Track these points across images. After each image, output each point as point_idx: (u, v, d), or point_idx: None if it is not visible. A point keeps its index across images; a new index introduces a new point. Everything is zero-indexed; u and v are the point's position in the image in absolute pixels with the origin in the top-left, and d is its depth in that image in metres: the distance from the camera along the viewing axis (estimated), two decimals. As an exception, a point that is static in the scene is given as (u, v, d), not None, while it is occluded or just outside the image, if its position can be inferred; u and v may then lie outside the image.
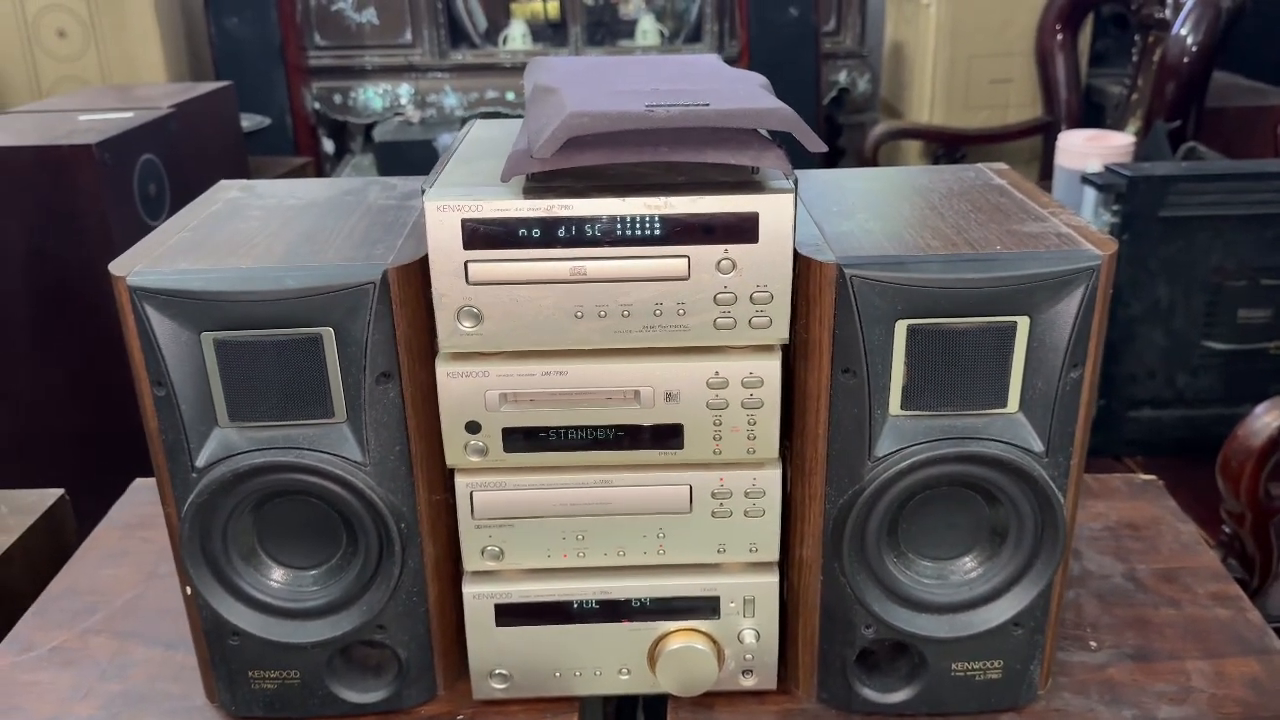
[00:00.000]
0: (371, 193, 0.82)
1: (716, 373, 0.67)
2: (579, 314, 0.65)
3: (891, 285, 0.64)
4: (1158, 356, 1.70)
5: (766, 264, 0.64)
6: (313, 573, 0.73)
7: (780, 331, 0.66)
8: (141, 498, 1.07)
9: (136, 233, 1.76)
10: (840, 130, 3.78)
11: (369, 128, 3.21)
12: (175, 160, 1.89)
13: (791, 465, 0.72)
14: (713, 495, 0.70)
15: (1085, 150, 2.13)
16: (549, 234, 0.63)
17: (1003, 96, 3.09)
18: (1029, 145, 3.03)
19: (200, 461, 0.68)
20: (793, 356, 0.69)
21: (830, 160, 3.71)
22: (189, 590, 0.72)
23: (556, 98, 0.62)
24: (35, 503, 1.10)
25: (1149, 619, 0.85)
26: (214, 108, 2.15)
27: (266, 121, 2.59)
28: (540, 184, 0.64)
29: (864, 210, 0.75)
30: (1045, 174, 2.77)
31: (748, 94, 0.62)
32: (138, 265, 0.67)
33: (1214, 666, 0.80)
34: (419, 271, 0.66)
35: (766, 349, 0.67)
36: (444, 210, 0.62)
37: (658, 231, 0.63)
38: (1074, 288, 0.65)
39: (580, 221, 0.63)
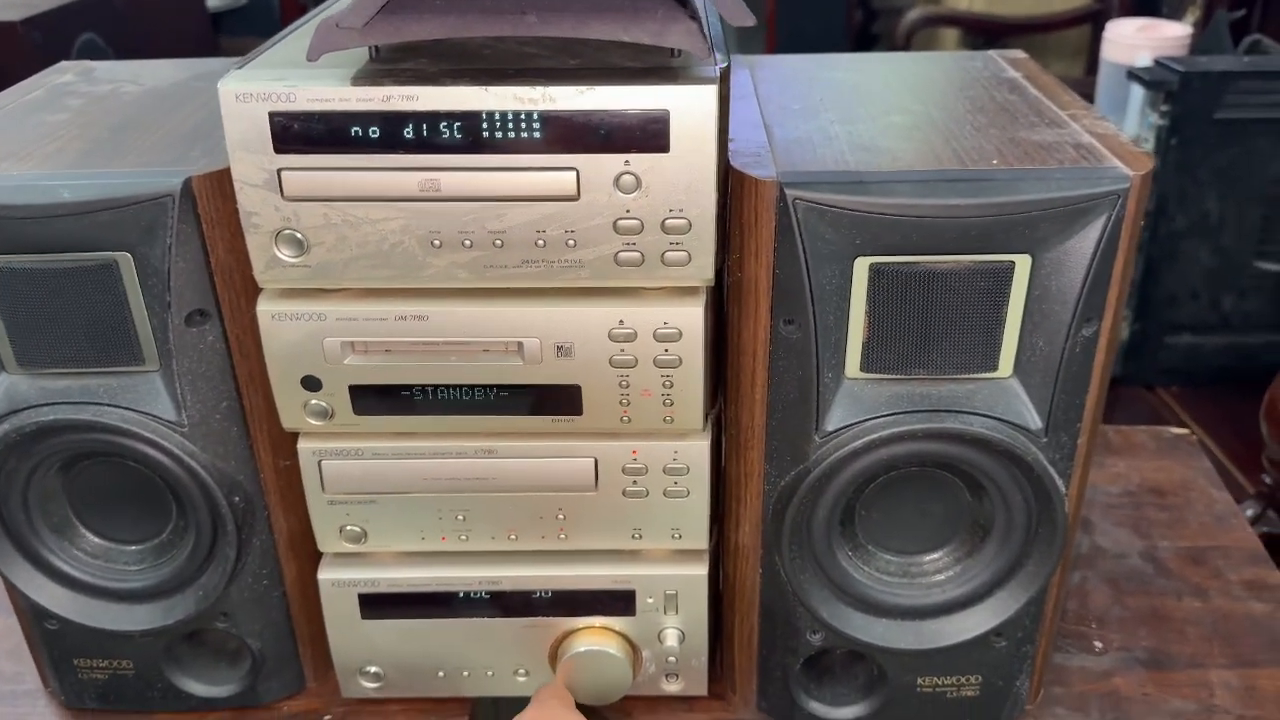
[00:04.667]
0: (229, 78, 0.66)
1: (621, 321, 0.51)
2: (436, 242, 0.50)
3: (848, 212, 0.48)
4: (1202, 276, 1.52)
5: (682, 181, 0.48)
6: (134, 548, 0.60)
7: (702, 270, 0.50)
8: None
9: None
10: (875, 15, 3.51)
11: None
12: (123, 41, 1.72)
13: (726, 434, 0.57)
14: (624, 471, 0.56)
15: (1135, 41, 1.90)
16: (390, 134, 0.47)
17: (1050, -19, 2.81)
18: (1076, 36, 2.77)
19: (-12, 414, 0.55)
20: (725, 300, 0.54)
21: (863, 50, 3.45)
22: (-4, 564, 0.60)
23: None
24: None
25: (1168, 613, 0.71)
26: (172, -18, 1.96)
27: (243, 0, 2.40)
28: (381, 66, 0.48)
29: (832, 109, 0.58)
30: (1092, 68, 2.53)
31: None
32: (-118, 168, 0.52)
33: (1243, 679, 0.65)
34: (238, 182, 0.50)
35: (686, 292, 0.52)
36: (245, 100, 0.47)
37: (536, 134, 0.47)
38: (1092, 219, 0.48)
39: (431, 118, 0.47)
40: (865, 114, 0.57)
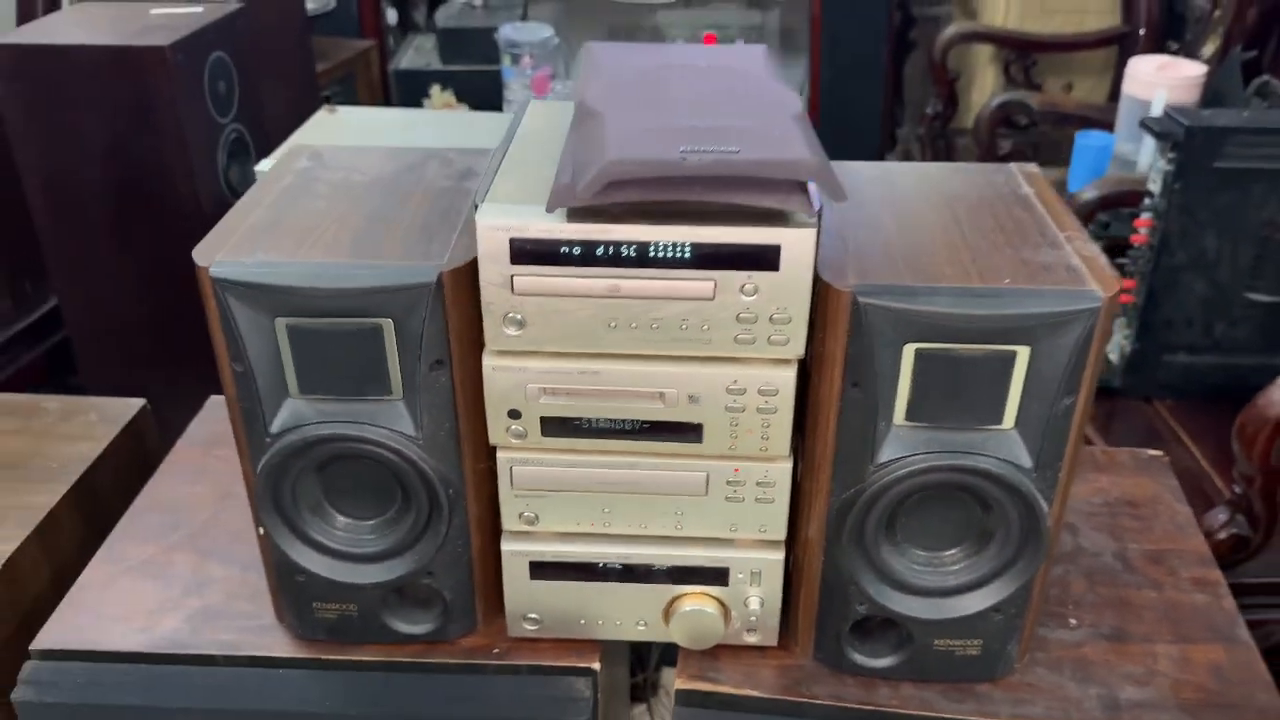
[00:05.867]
0: (430, 170, 0.88)
1: (735, 381, 0.73)
2: (613, 325, 0.71)
3: (903, 314, 0.69)
4: (1198, 305, 1.72)
5: (786, 290, 0.69)
6: (370, 523, 0.82)
7: (796, 349, 0.72)
8: (216, 414, 1.16)
9: (206, 130, 1.83)
10: (913, 22, 3.68)
11: (433, 3, 3.20)
12: (243, 56, 1.94)
13: (802, 459, 0.79)
14: (727, 483, 0.78)
15: (1154, 80, 2.09)
16: (589, 254, 0.69)
17: (1082, 0, 2.98)
18: (1102, 56, 2.94)
19: (274, 428, 0.77)
20: (809, 365, 0.75)
21: (899, 56, 3.62)
22: (262, 532, 0.82)
23: (599, 128, 0.67)
24: (120, 413, 1.20)
25: (1130, 600, 0.92)
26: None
27: (332, 4, 2.60)
28: (583, 207, 0.69)
29: (889, 219, 0.79)
30: (1115, 93, 2.70)
31: (780, 137, 0.66)
32: (218, 254, 0.74)
33: (1182, 651, 0.87)
34: (470, 273, 0.72)
35: (782, 362, 0.73)
36: (493, 230, 0.68)
37: (687, 256, 0.68)
38: (1073, 326, 0.69)
39: (618, 244, 0.68)
40: (915, 226, 0.78)
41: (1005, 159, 2.61)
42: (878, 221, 0.79)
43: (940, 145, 2.97)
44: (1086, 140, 2.09)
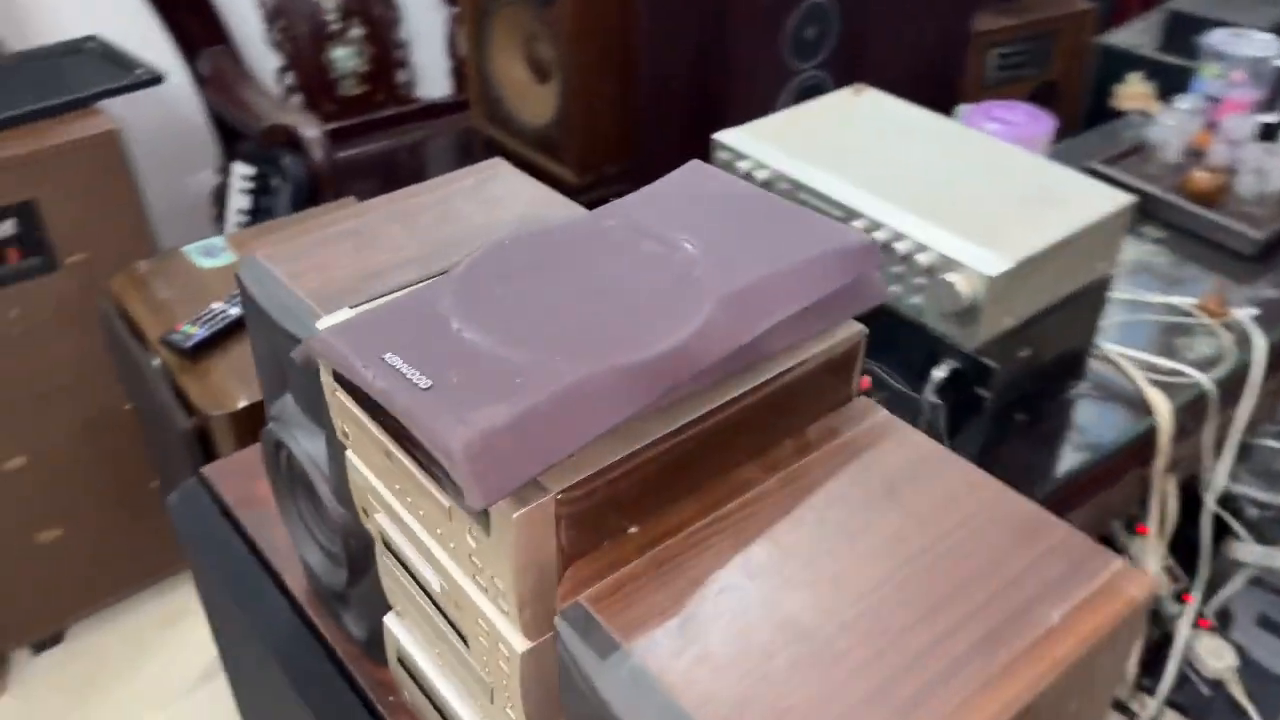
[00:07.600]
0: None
1: (481, 619, 0.61)
2: (397, 488, 0.64)
3: (588, 677, 0.51)
4: None
5: (498, 563, 0.55)
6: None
7: (514, 635, 0.57)
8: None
9: (774, 72, 1.85)
10: None
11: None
12: (854, 6, 1.87)
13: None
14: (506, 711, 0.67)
15: None
16: (381, 410, 0.62)
17: None
18: None
19: (271, 412, 0.85)
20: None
21: None
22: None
23: (410, 296, 0.58)
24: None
25: None
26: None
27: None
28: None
29: (805, 565, 0.56)
30: None
31: (506, 397, 0.51)
32: (269, 257, 0.81)
33: None
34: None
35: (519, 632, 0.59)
36: (319, 343, 0.65)
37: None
38: None
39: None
40: (822, 591, 0.55)
41: None
42: (778, 535, 0.57)
43: None
44: None
